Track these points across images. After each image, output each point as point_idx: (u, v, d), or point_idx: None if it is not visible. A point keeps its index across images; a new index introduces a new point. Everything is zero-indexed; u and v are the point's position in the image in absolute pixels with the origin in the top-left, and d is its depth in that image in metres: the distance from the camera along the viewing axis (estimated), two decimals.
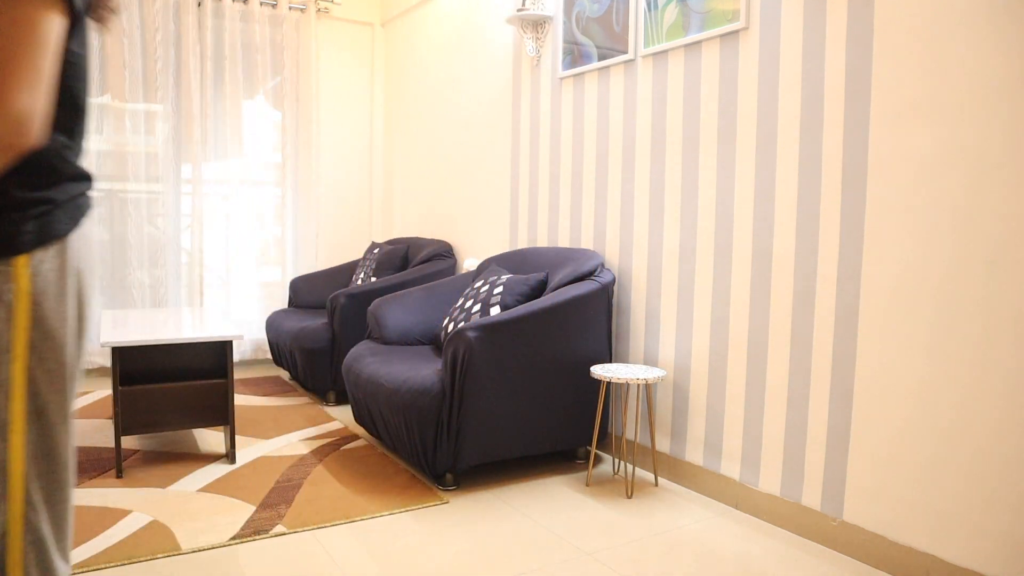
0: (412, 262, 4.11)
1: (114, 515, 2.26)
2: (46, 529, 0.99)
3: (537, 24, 3.35)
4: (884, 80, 2.00)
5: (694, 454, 2.64)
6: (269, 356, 4.70)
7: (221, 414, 2.74)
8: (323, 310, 4.32)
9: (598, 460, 2.94)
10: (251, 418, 3.42)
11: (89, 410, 3.51)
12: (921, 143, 1.91)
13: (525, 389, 2.58)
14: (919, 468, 1.94)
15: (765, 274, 2.36)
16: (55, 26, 0.93)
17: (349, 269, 4.58)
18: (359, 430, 3.27)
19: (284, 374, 4.50)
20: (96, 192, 4.21)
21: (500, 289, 2.88)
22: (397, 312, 3.21)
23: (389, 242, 4.56)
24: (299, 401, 3.78)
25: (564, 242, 3.27)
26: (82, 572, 1.90)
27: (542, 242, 3.42)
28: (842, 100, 2.11)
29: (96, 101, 4.14)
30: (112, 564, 1.94)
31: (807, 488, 2.24)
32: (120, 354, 2.60)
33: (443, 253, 4.03)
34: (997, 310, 1.77)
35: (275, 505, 2.37)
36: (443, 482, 2.58)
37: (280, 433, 3.18)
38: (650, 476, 2.76)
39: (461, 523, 2.29)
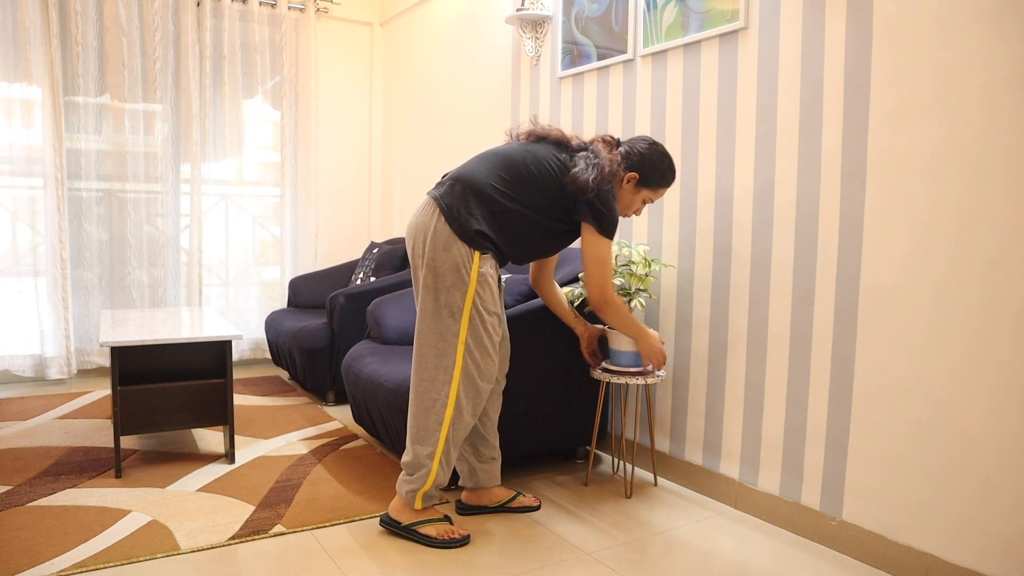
0: None
1: (113, 515, 2.26)
2: (473, 365, 2.10)
3: (536, 24, 3.35)
4: (883, 79, 2.00)
5: (693, 454, 2.64)
6: (268, 356, 4.70)
7: (220, 414, 2.74)
8: (322, 310, 4.32)
9: (597, 460, 2.94)
10: (250, 418, 3.42)
11: (88, 410, 3.50)
12: (920, 142, 1.92)
13: (524, 389, 2.58)
14: (918, 467, 1.94)
15: (764, 273, 2.36)
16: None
17: (348, 269, 4.58)
18: (358, 430, 3.27)
19: (283, 374, 4.50)
20: (96, 191, 4.21)
21: None
22: (396, 312, 3.21)
23: (388, 242, 4.56)
24: (298, 401, 3.78)
25: None
26: (81, 572, 1.89)
27: None
28: (841, 99, 2.11)
29: (95, 101, 4.14)
30: (111, 564, 1.94)
31: (806, 488, 2.24)
32: (119, 354, 2.60)
33: None
34: (996, 310, 1.77)
35: (274, 505, 2.37)
36: None
37: (279, 433, 3.18)
38: (649, 476, 2.76)
39: (460, 522, 2.28)
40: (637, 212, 2.34)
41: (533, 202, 2.12)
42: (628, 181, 2.24)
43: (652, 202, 2.35)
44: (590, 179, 2.09)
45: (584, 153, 2.17)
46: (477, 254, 2.07)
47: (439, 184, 2.17)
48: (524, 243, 2.17)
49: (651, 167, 2.25)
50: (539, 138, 2.24)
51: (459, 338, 2.07)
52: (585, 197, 2.11)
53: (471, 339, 2.08)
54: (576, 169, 2.12)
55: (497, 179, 2.11)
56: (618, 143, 2.28)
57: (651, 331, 2.37)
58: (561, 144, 2.22)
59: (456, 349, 2.07)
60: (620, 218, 2.26)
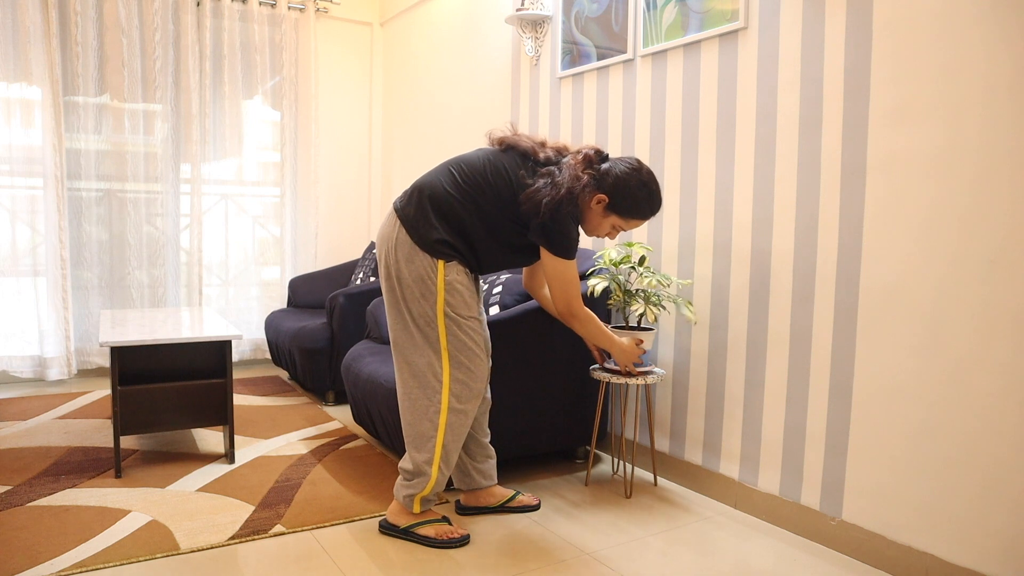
0: None
1: (113, 515, 2.26)
2: (460, 369, 2.08)
3: (536, 24, 3.35)
4: (883, 79, 2.00)
5: (693, 454, 2.64)
6: (268, 356, 4.70)
7: (220, 414, 2.74)
8: (322, 310, 4.32)
9: (597, 460, 2.94)
10: (250, 418, 3.42)
11: (88, 410, 3.50)
12: (921, 142, 1.92)
13: (524, 389, 2.58)
14: (918, 467, 1.94)
15: (764, 273, 2.36)
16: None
17: (348, 269, 4.58)
18: (358, 430, 3.27)
19: (283, 374, 4.50)
20: (96, 191, 4.21)
21: (499, 289, 2.88)
22: None
23: None
24: (298, 401, 3.78)
25: None
26: (81, 572, 1.89)
27: None
28: (841, 99, 2.11)
29: (95, 101, 4.14)
30: (111, 564, 1.94)
31: (806, 487, 2.24)
32: (119, 354, 2.60)
33: None
34: (995, 310, 1.77)
35: (274, 505, 2.37)
36: None
37: (279, 433, 3.18)
38: (649, 476, 2.75)
39: (460, 522, 2.28)
40: (610, 236, 2.20)
41: (487, 210, 2.07)
42: (597, 203, 2.08)
43: (624, 230, 2.20)
44: (543, 202, 1.99)
45: (548, 169, 2.06)
46: (441, 263, 2.04)
47: (403, 193, 2.14)
48: (484, 252, 2.12)
49: (624, 193, 2.08)
50: (509, 146, 2.14)
51: (440, 344, 2.06)
52: (538, 220, 2.03)
53: (452, 346, 2.06)
54: (531, 188, 2.02)
55: (453, 186, 2.07)
56: (604, 158, 2.13)
57: (620, 339, 2.34)
58: (526, 156, 2.11)
59: (440, 356, 2.07)
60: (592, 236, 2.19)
